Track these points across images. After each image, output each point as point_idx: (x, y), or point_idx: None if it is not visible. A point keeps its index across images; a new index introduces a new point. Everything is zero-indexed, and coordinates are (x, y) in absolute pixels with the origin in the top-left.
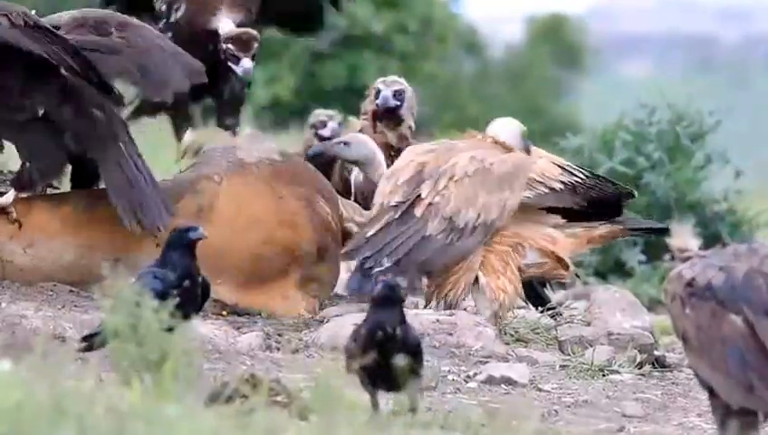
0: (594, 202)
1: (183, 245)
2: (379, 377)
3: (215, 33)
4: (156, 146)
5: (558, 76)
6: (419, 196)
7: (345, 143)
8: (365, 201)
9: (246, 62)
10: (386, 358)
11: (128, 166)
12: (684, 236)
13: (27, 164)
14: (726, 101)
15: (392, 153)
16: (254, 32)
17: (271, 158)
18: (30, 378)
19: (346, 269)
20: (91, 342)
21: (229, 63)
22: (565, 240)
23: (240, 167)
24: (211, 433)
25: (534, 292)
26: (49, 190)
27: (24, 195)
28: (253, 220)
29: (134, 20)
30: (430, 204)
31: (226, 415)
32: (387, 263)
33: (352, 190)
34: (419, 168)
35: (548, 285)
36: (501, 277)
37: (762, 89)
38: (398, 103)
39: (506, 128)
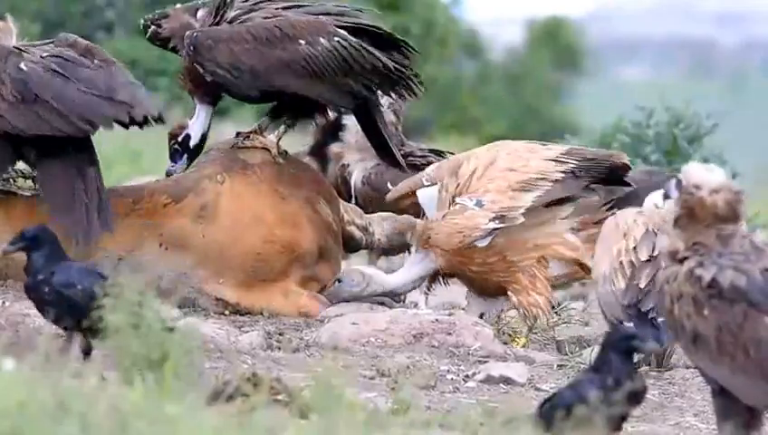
0: (598, 179)
1: None
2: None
3: None
4: (156, 146)
5: (557, 79)
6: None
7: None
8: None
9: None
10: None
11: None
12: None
13: None
14: (724, 104)
15: None
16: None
17: (273, 159)
18: (33, 376)
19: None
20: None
21: None
22: (583, 244)
23: (243, 167)
24: (212, 432)
25: None
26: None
27: None
28: (254, 220)
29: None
30: None
31: (228, 414)
32: None
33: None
34: (645, 227)
35: None
36: (532, 293)
37: (759, 92)
38: None
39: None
